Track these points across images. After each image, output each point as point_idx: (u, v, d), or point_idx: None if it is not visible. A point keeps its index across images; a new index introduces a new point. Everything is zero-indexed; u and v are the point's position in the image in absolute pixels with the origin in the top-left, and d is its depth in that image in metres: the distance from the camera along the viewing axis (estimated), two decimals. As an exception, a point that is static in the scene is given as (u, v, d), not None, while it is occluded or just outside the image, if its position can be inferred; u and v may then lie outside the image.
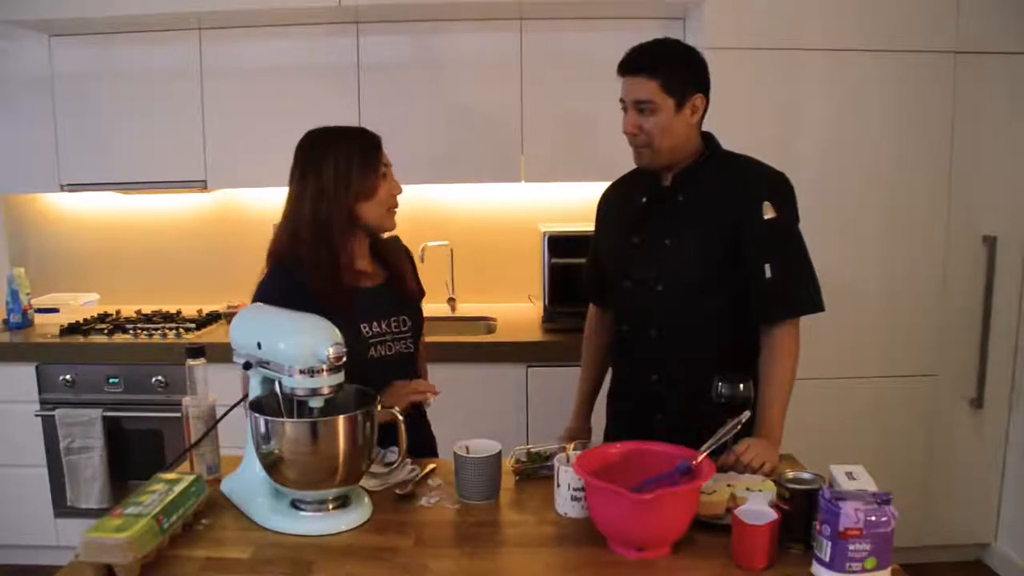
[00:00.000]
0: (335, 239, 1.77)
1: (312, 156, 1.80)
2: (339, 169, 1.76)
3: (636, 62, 1.83)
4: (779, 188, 1.87)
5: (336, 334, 1.48)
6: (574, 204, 3.44)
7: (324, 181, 1.76)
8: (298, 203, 1.79)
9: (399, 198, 1.86)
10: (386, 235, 1.95)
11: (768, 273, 1.81)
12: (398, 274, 1.93)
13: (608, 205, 2.12)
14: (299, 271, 1.76)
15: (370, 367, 1.77)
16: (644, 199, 1.95)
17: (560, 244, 3.04)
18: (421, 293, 2.05)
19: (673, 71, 1.82)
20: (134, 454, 3.00)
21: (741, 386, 1.70)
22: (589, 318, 2.22)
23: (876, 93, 2.88)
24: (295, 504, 1.53)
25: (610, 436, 2.06)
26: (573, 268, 3.02)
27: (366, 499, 1.58)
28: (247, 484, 1.58)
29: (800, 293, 1.85)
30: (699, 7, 2.88)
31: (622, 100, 1.87)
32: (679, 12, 3.04)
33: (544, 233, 3.06)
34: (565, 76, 3.10)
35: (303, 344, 1.45)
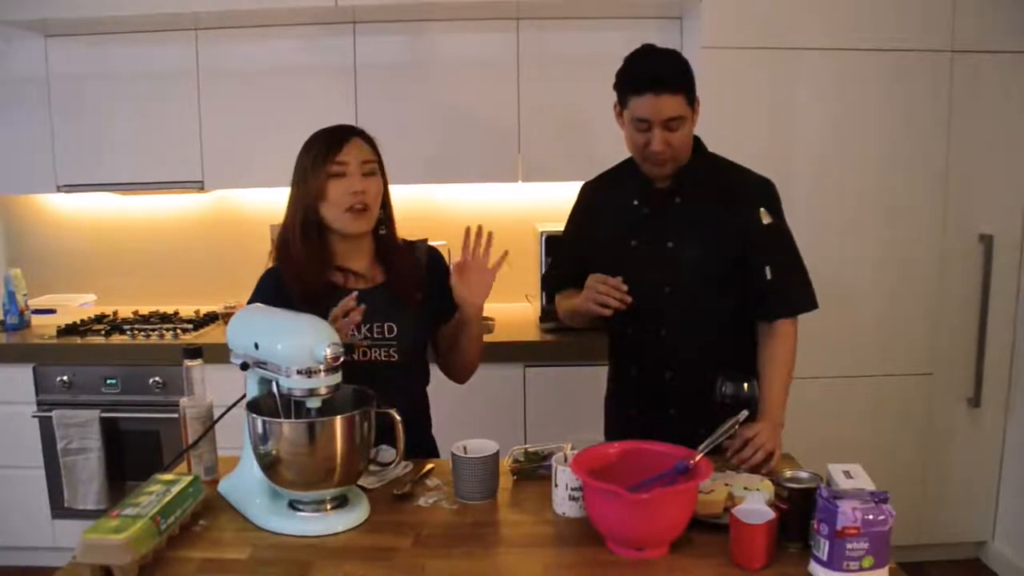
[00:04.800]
0: (301, 238, 1.80)
1: (297, 158, 1.84)
2: (300, 170, 1.81)
3: (663, 79, 1.79)
4: (771, 194, 1.95)
5: (333, 334, 1.48)
6: (571, 204, 3.43)
7: (294, 182, 1.83)
8: (287, 203, 1.86)
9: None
10: (419, 242, 1.97)
11: (768, 275, 1.88)
12: (397, 279, 1.88)
13: (593, 204, 2.12)
14: (283, 269, 1.83)
15: (345, 371, 1.72)
16: (636, 201, 1.98)
17: (557, 244, 3.03)
18: (453, 304, 1.90)
19: (690, 82, 1.84)
20: (131, 455, 3.00)
21: (745, 386, 1.72)
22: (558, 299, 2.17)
23: (873, 92, 2.88)
24: (293, 505, 1.53)
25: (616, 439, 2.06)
26: (570, 268, 3.02)
27: (364, 499, 1.58)
28: (245, 485, 1.57)
29: (799, 293, 1.93)
30: (696, 6, 2.87)
31: (643, 119, 1.80)
32: (676, 11, 3.05)
33: (541, 233, 3.05)
34: (562, 75, 3.10)
35: (300, 345, 1.45)
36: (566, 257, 2.17)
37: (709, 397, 1.74)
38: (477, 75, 3.12)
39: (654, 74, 1.80)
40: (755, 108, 2.86)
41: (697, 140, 1.95)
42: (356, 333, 1.80)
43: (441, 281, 1.95)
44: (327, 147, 1.78)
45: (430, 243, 2.01)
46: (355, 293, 1.72)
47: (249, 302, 1.85)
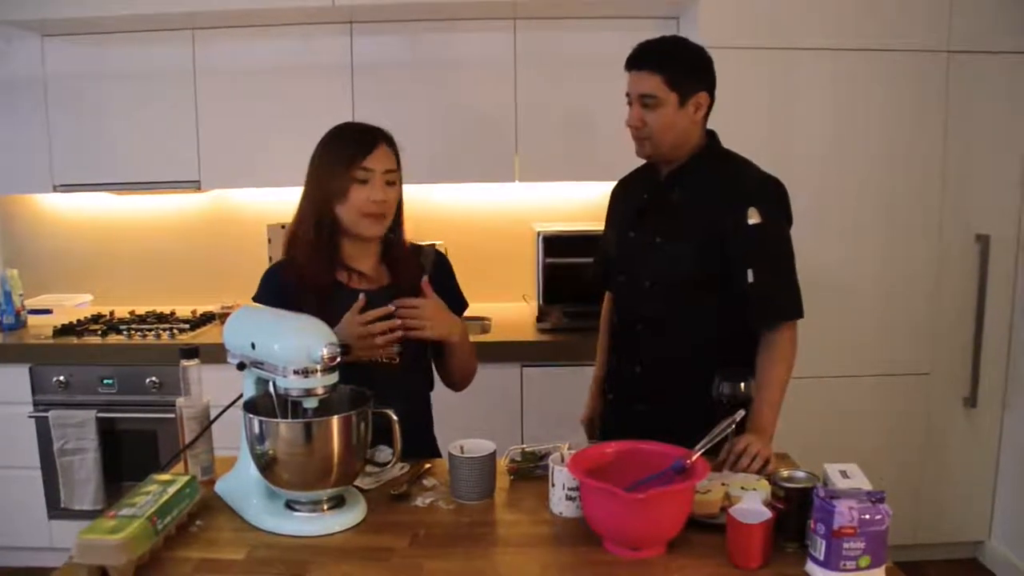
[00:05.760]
0: (312, 234, 1.79)
1: (317, 150, 1.82)
2: (321, 166, 1.80)
3: (642, 57, 1.87)
4: (768, 193, 1.88)
5: (330, 334, 1.47)
6: (568, 203, 3.44)
7: (311, 176, 1.81)
8: (301, 196, 1.84)
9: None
10: (426, 246, 1.96)
11: (751, 278, 1.83)
12: (402, 282, 1.85)
13: (616, 198, 2.16)
14: (289, 266, 1.82)
15: (344, 373, 1.71)
16: (645, 195, 2.00)
17: (554, 244, 3.04)
18: (459, 307, 1.94)
19: (677, 67, 1.85)
20: (128, 455, 2.99)
21: (742, 385, 1.71)
22: (605, 304, 2.25)
23: (870, 92, 2.88)
24: (290, 505, 1.53)
25: (602, 418, 2.16)
26: (568, 268, 3.02)
27: (361, 500, 1.58)
28: (241, 485, 1.57)
29: (781, 300, 1.86)
30: (693, 6, 2.88)
31: (628, 94, 1.90)
32: (673, 11, 3.05)
33: (538, 233, 3.05)
34: (559, 76, 3.10)
35: (297, 345, 1.45)
36: (597, 254, 2.22)
37: (691, 395, 1.75)
38: (474, 75, 3.12)
39: (637, 51, 1.88)
40: (752, 108, 2.86)
41: (712, 136, 1.96)
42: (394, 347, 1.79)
43: (446, 286, 1.94)
44: (355, 151, 1.76)
45: (436, 246, 2.01)
46: (362, 295, 1.73)
47: (255, 298, 1.85)
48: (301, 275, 1.79)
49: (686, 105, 1.85)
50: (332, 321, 1.73)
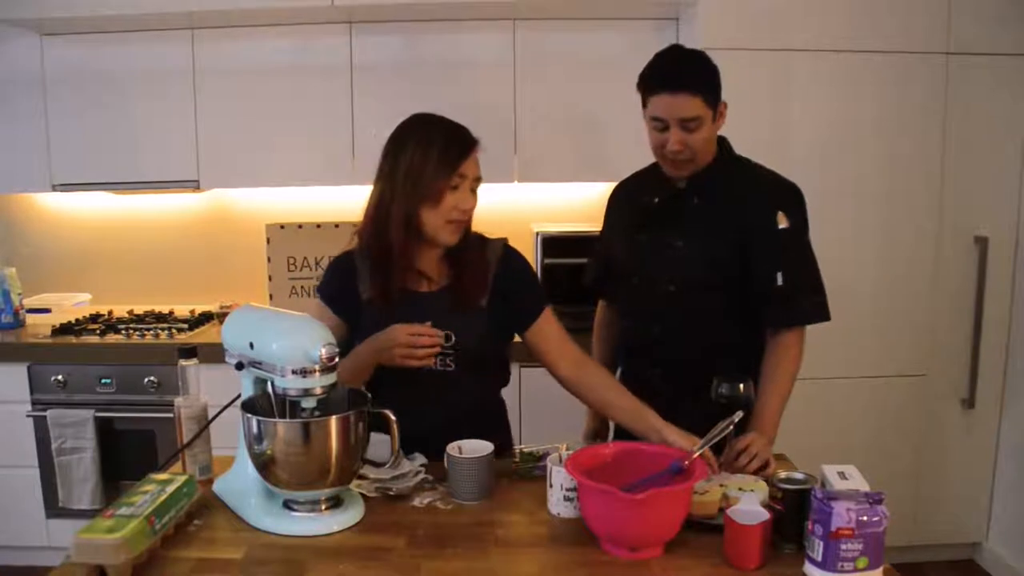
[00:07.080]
0: (391, 235, 1.71)
1: (397, 141, 1.74)
2: (412, 163, 1.69)
3: (679, 78, 1.80)
4: (792, 198, 1.91)
5: (328, 335, 1.47)
6: (567, 204, 3.44)
7: (396, 172, 1.70)
8: (373, 188, 1.76)
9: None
10: (495, 240, 1.87)
11: (779, 281, 1.85)
12: (459, 282, 1.77)
13: (617, 203, 2.14)
14: (359, 262, 1.80)
15: (396, 377, 1.70)
16: (656, 199, 1.98)
17: (553, 244, 3.04)
18: (535, 307, 1.83)
19: (709, 83, 1.83)
20: (126, 455, 2.99)
21: (741, 387, 1.72)
22: (598, 314, 2.24)
23: (869, 94, 2.89)
24: (287, 505, 1.53)
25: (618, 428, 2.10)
26: (566, 268, 3.02)
27: (359, 499, 1.58)
28: (239, 485, 1.57)
29: (809, 302, 1.89)
30: (693, 7, 2.88)
31: (659, 118, 1.82)
32: (672, 12, 3.05)
33: (537, 233, 3.06)
34: (558, 76, 3.10)
35: (295, 345, 1.45)
36: (596, 255, 2.21)
37: (705, 397, 1.74)
38: (474, 76, 3.11)
39: (671, 73, 1.82)
40: (751, 110, 2.85)
41: (723, 141, 1.96)
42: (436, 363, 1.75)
43: (518, 283, 1.85)
44: (456, 154, 1.71)
45: (506, 240, 1.89)
46: (429, 323, 1.69)
47: (319, 288, 1.86)
48: (381, 279, 1.74)
49: (716, 118, 1.85)
50: (389, 324, 1.70)
